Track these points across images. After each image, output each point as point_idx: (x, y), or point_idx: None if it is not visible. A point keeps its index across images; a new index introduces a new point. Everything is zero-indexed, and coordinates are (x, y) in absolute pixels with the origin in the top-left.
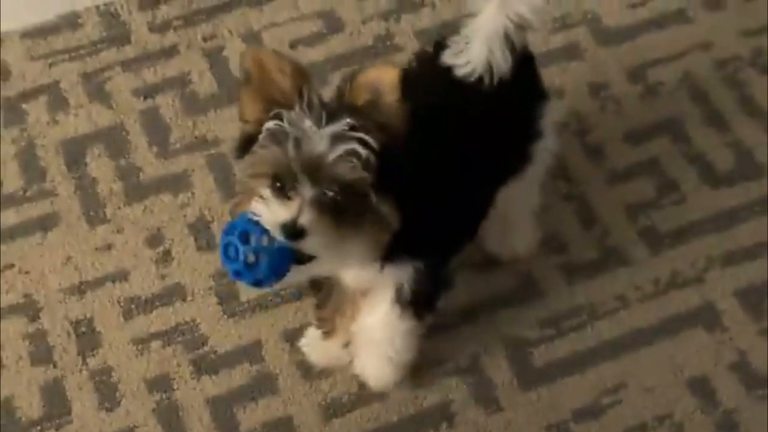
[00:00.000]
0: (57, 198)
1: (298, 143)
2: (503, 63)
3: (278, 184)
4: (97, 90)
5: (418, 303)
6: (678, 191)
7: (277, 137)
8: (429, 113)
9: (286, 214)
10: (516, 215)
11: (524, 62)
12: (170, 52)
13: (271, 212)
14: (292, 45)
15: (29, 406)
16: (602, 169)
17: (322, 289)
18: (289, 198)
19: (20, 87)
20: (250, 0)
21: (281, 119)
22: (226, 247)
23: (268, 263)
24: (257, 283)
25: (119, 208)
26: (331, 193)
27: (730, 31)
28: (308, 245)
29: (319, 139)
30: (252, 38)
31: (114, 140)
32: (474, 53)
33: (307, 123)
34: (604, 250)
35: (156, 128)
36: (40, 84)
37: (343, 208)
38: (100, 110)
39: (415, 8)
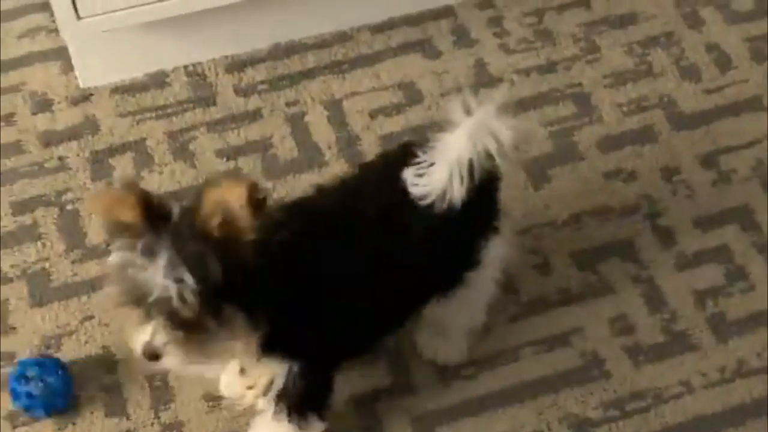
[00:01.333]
0: None
1: (141, 284)
2: (458, 193)
3: (136, 305)
4: (181, 149)
5: (291, 404)
6: (746, 279)
7: (122, 276)
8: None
9: (143, 336)
10: (447, 326)
11: (482, 196)
12: (254, 115)
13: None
14: (372, 115)
15: None
16: (672, 252)
17: None
18: (145, 321)
19: (108, 142)
20: (333, 68)
21: (126, 252)
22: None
23: (41, 403)
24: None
25: None
26: (178, 319)
27: None
28: (168, 364)
29: (157, 277)
30: (333, 105)
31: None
32: (435, 179)
33: (137, 259)
34: (671, 335)
35: None
36: (127, 140)
37: (192, 329)
38: (184, 169)
39: (492, 83)
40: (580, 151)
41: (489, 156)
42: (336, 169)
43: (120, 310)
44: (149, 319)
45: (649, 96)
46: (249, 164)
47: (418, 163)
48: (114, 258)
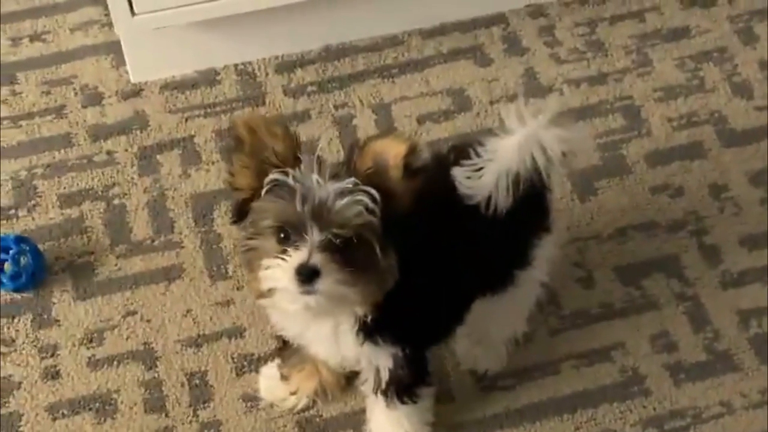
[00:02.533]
0: (183, 250)
1: (304, 195)
2: (504, 201)
3: (282, 236)
4: (228, 148)
5: (397, 390)
6: None
7: (281, 191)
8: (432, 200)
9: (297, 258)
10: (489, 333)
11: (534, 195)
12: (302, 116)
13: (284, 261)
14: (420, 120)
15: None
16: (717, 271)
17: (288, 348)
18: (296, 247)
19: (157, 138)
20: (383, 72)
21: (284, 173)
22: None
23: (26, 277)
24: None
25: (240, 265)
26: (338, 237)
27: None
28: (321, 286)
29: (325, 191)
30: (381, 109)
31: None
32: (482, 183)
33: (314, 177)
34: (714, 354)
35: None
36: (175, 137)
37: (349, 253)
38: None
39: (542, 93)
40: (627, 165)
41: (537, 170)
42: None
43: (255, 241)
44: (292, 245)
45: (700, 111)
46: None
47: (469, 165)
48: (272, 178)
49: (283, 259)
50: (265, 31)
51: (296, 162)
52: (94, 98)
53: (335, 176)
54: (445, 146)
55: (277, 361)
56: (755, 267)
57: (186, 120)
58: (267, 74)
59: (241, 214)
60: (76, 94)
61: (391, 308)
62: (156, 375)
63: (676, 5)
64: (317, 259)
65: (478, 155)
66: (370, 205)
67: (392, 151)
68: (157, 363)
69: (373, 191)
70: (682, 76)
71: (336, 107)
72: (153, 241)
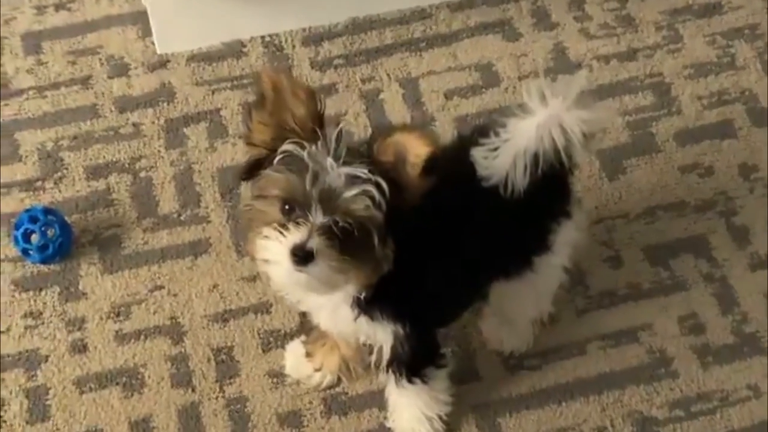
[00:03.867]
0: (209, 225)
1: (315, 175)
2: (521, 181)
3: (287, 207)
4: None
5: (405, 368)
6: None
7: (293, 164)
8: (446, 185)
9: (296, 237)
10: (513, 314)
11: (555, 178)
12: (329, 89)
13: (282, 236)
14: (447, 95)
15: (165, 427)
16: (746, 252)
17: (308, 320)
18: (297, 223)
19: (183, 110)
20: (410, 45)
21: (300, 146)
22: (22, 235)
23: (53, 248)
24: (44, 262)
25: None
26: (340, 224)
27: None
28: (314, 269)
29: (337, 175)
30: (409, 83)
31: None
32: (498, 164)
33: (328, 160)
34: (741, 336)
35: None
36: (201, 109)
37: (347, 240)
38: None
39: (571, 69)
40: (657, 143)
41: (557, 151)
42: None
43: (259, 203)
44: (294, 220)
45: (731, 89)
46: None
47: (486, 144)
48: (286, 148)
49: (281, 233)
50: (292, 3)
51: (314, 134)
52: (121, 69)
53: (350, 160)
54: (472, 122)
55: (302, 337)
56: None
57: (213, 92)
58: (294, 46)
59: (250, 172)
60: (101, 64)
61: (389, 286)
62: (183, 350)
63: None
64: (315, 242)
65: (497, 135)
66: (378, 198)
67: (415, 150)
68: (184, 338)
69: (384, 184)
70: (713, 53)
71: (363, 81)
72: (179, 215)
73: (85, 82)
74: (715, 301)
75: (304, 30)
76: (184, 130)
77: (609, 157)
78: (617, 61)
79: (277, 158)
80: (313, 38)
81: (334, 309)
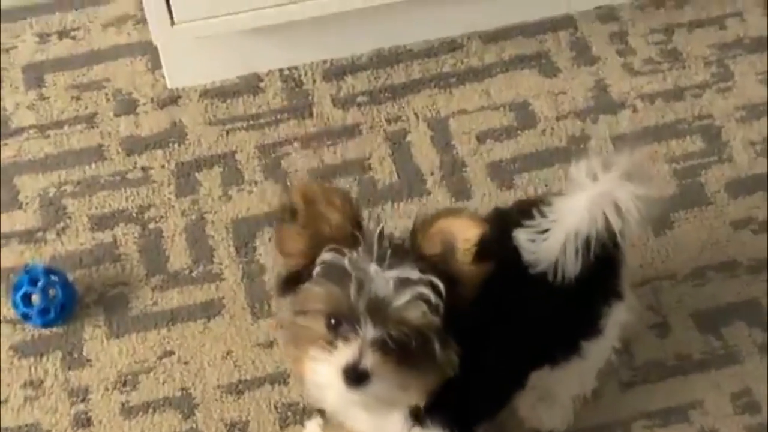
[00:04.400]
0: (223, 283)
1: (360, 284)
2: (573, 267)
3: (333, 322)
4: (273, 166)
5: None
6: None
7: (334, 274)
8: (494, 278)
9: (346, 356)
10: (556, 392)
11: (605, 258)
12: (352, 131)
13: (331, 356)
14: (480, 137)
15: None
16: None
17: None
18: (346, 339)
19: (195, 153)
20: (440, 81)
21: (339, 253)
22: (22, 298)
23: (55, 312)
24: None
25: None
26: (395, 336)
27: None
28: (372, 390)
29: (384, 282)
30: (438, 124)
31: None
32: (547, 248)
33: (372, 266)
34: None
35: None
36: (215, 152)
37: (405, 352)
38: (275, 189)
39: (614, 109)
40: (706, 195)
41: (611, 231)
42: (438, 198)
43: (301, 319)
44: (341, 335)
45: None
46: (344, 186)
47: (532, 226)
48: (326, 258)
49: (330, 352)
50: (312, 34)
51: (354, 238)
52: (128, 105)
53: (396, 261)
54: (506, 168)
55: (319, 420)
56: None
57: (227, 133)
58: (314, 81)
59: (287, 286)
60: (108, 100)
61: (445, 392)
62: (194, 425)
63: (758, 11)
64: (368, 360)
65: (543, 216)
66: (434, 299)
67: (462, 234)
68: (195, 411)
69: (438, 282)
70: (766, 92)
71: (388, 121)
72: (191, 271)
73: (90, 120)
74: None
75: (325, 62)
76: (196, 175)
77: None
78: (663, 101)
79: (316, 270)
80: (335, 72)
81: (382, 421)
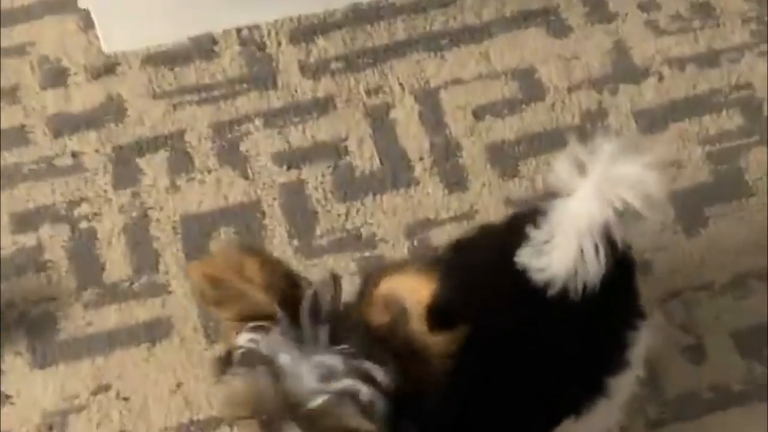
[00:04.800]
0: (170, 297)
1: (278, 377)
2: (595, 268)
3: (264, 418)
4: (230, 149)
5: None
6: None
7: (252, 363)
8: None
9: None
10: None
11: (618, 274)
12: (325, 105)
13: None
14: (477, 113)
15: None
16: None
17: None
18: None
19: (136, 134)
20: (430, 43)
21: (259, 333)
22: None
23: None
24: None
25: None
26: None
27: None
28: None
29: (301, 373)
30: (427, 97)
31: (246, 223)
32: (558, 254)
33: (288, 352)
34: None
35: (300, 213)
36: (160, 132)
37: None
38: (233, 179)
39: (636, 78)
40: (747, 183)
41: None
42: (429, 189)
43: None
44: None
45: None
46: (316, 176)
47: (532, 240)
48: (241, 343)
49: None
50: None
51: (291, 306)
52: (57, 76)
53: (323, 342)
54: (510, 151)
55: None
56: None
57: (175, 108)
58: (279, 44)
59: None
60: (33, 69)
61: None
62: None
63: None
64: None
65: (538, 227)
66: (366, 394)
67: (411, 296)
68: None
69: (378, 369)
70: None
71: (368, 92)
72: (132, 282)
73: (11, 95)
74: None
75: (292, 20)
76: (138, 161)
77: (686, 202)
78: (695, 67)
79: (236, 356)
80: (304, 32)
81: None
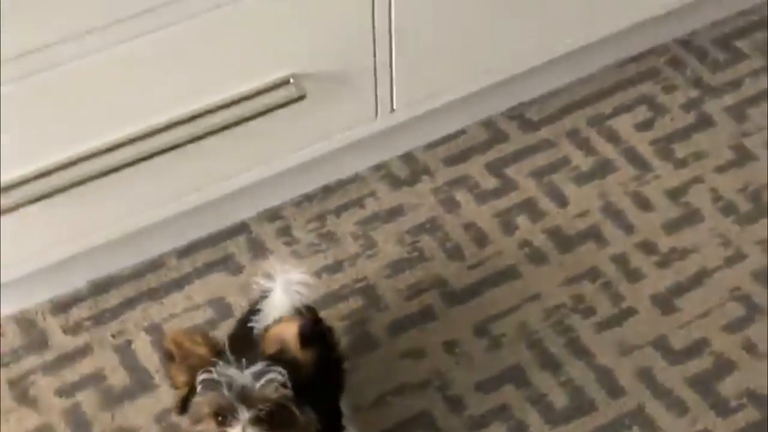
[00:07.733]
0: None
1: (229, 384)
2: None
3: (220, 418)
4: (22, 395)
5: None
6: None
7: (211, 386)
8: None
9: None
10: None
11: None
12: (84, 351)
13: None
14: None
15: None
16: (463, 418)
17: None
18: (231, 425)
19: None
20: (151, 295)
21: (211, 372)
22: None
23: None
24: None
25: None
26: (263, 410)
27: (553, 282)
28: None
29: (245, 377)
30: (154, 330)
31: None
32: (271, 316)
33: (233, 370)
34: None
35: (79, 424)
36: None
37: (274, 419)
38: (28, 414)
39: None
40: (372, 340)
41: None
42: (166, 388)
43: (197, 427)
44: (227, 425)
45: (423, 279)
46: (87, 397)
47: (258, 314)
48: (202, 378)
49: None
50: (37, 277)
51: (220, 356)
52: None
53: (250, 362)
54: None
55: None
56: (492, 408)
57: None
58: (44, 318)
59: (183, 407)
60: None
61: None
62: None
63: (387, 189)
64: (250, 431)
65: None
66: (281, 379)
67: (287, 331)
68: None
69: (280, 369)
70: (403, 250)
71: (113, 336)
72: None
73: None
74: None
75: (50, 300)
76: None
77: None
78: (327, 274)
79: (198, 388)
80: (61, 306)
81: None
